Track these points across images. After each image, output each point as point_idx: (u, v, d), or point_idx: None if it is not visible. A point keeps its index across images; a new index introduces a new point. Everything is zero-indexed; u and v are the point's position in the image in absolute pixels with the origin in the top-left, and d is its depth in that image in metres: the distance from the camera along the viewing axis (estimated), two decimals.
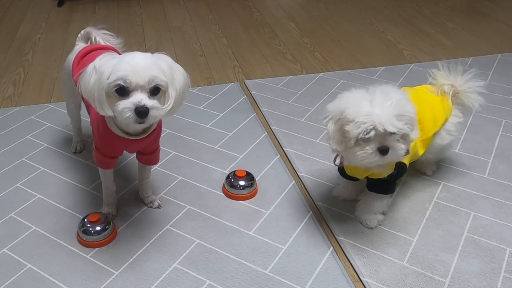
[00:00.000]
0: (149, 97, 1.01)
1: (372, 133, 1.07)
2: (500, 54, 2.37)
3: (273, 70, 2.25)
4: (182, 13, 3.00)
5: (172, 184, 1.49)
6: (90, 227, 1.26)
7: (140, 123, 1.01)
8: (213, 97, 1.99)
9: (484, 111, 1.86)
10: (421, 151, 1.32)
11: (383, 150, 1.09)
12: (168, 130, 1.76)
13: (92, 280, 1.17)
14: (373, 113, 1.06)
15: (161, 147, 1.63)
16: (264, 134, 1.74)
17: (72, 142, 1.65)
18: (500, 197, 1.44)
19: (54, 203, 1.41)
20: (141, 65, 0.98)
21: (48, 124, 1.80)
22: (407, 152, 1.14)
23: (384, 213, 1.34)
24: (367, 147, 1.09)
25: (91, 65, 1.03)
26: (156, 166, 1.55)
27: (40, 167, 1.57)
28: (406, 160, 1.25)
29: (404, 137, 1.12)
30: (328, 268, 1.20)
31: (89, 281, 1.17)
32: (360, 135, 1.07)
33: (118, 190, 1.42)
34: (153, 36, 2.64)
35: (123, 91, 1.00)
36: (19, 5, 3.12)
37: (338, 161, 1.24)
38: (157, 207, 1.39)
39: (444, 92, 1.37)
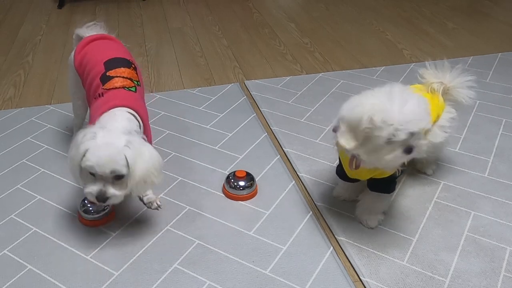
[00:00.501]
0: (112, 182, 1.14)
1: (403, 135, 1.05)
2: (500, 54, 2.36)
3: (273, 71, 2.25)
4: (182, 15, 3.01)
5: (172, 185, 1.49)
6: (90, 207, 1.33)
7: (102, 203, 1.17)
8: (213, 98, 1.99)
9: (484, 110, 1.87)
10: None
11: (409, 150, 1.08)
12: (168, 131, 1.76)
13: (93, 281, 1.17)
14: (400, 116, 1.04)
15: (161, 148, 1.64)
16: (264, 135, 1.74)
17: None
18: (501, 197, 1.44)
19: (55, 204, 1.41)
20: (106, 158, 1.10)
21: (49, 125, 1.81)
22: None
23: (384, 213, 1.34)
24: (395, 151, 1.07)
25: (80, 137, 1.14)
26: None
27: (41, 168, 1.57)
28: None
29: (426, 133, 1.11)
30: (328, 268, 1.20)
31: (89, 282, 1.17)
32: (392, 139, 1.05)
33: None
34: (153, 38, 2.64)
35: (92, 174, 1.14)
36: (19, 7, 3.13)
37: (353, 165, 1.19)
38: (156, 208, 1.39)
39: (434, 90, 1.38)
